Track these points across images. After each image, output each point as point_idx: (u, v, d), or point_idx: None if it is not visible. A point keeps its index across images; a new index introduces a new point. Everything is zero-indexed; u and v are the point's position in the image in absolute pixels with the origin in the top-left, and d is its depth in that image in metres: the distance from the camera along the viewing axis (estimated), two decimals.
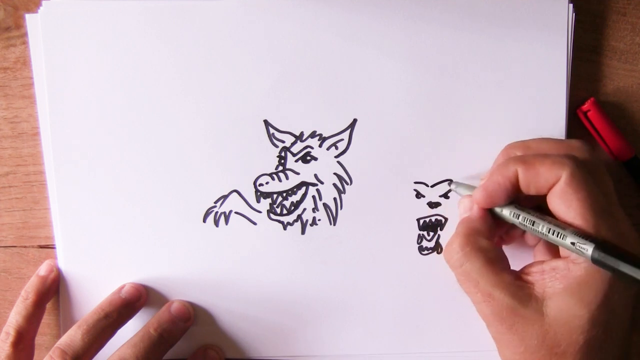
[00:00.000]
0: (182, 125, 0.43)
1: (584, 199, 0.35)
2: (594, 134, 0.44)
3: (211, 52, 0.43)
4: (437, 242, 0.45)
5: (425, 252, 0.45)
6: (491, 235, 0.39)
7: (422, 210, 0.44)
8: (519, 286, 0.36)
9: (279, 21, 0.42)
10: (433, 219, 0.44)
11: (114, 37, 0.42)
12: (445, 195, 0.44)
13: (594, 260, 0.34)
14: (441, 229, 0.44)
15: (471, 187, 0.42)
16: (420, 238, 0.44)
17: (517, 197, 0.39)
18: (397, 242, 0.44)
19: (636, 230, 0.45)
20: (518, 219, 0.38)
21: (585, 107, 0.43)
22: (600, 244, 0.34)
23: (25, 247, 0.46)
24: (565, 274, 0.36)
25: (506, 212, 0.39)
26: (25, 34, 0.43)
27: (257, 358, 0.46)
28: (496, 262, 0.37)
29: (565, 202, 0.36)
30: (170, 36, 0.42)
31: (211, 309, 0.45)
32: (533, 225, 0.37)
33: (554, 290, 0.36)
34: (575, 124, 0.44)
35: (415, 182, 0.44)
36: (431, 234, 0.44)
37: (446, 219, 0.44)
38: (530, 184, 0.37)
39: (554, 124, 0.43)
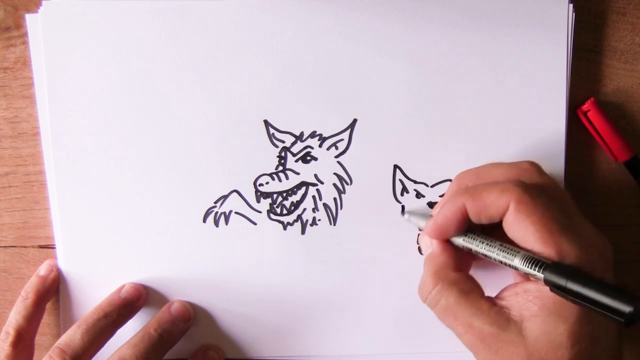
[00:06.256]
0: (182, 125, 0.43)
1: (537, 221, 0.35)
2: (594, 134, 0.44)
3: (211, 52, 0.43)
4: None
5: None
6: (459, 265, 0.39)
7: None
8: (496, 312, 0.36)
9: (279, 21, 0.42)
10: None
11: (114, 37, 0.42)
12: None
13: (547, 283, 0.34)
14: None
15: (425, 216, 0.41)
16: None
17: (472, 225, 0.39)
18: (397, 242, 0.44)
19: (632, 232, 0.46)
20: (471, 250, 0.39)
21: (585, 107, 0.43)
22: (549, 268, 0.34)
23: (25, 247, 0.46)
24: (538, 295, 0.36)
25: (459, 242, 0.39)
26: (25, 34, 0.43)
27: (257, 358, 0.45)
28: (470, 292, 0.37)
29: (520, 229, 0.36)
30: (170, 36, 0.42)
31: (211, 309, 0.45)
32: (486, 256, 0.38)
33: (530, 312, 0.36)
34: (575, 124, 0.44)
35: (415, 182, 0.44)
36: None
37: None
38: (480, 214, 0.37)
39: (554, 124, 0.43)
